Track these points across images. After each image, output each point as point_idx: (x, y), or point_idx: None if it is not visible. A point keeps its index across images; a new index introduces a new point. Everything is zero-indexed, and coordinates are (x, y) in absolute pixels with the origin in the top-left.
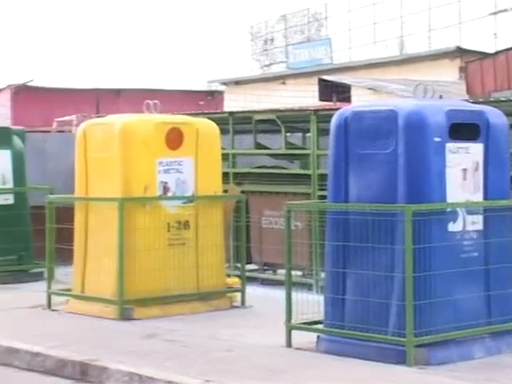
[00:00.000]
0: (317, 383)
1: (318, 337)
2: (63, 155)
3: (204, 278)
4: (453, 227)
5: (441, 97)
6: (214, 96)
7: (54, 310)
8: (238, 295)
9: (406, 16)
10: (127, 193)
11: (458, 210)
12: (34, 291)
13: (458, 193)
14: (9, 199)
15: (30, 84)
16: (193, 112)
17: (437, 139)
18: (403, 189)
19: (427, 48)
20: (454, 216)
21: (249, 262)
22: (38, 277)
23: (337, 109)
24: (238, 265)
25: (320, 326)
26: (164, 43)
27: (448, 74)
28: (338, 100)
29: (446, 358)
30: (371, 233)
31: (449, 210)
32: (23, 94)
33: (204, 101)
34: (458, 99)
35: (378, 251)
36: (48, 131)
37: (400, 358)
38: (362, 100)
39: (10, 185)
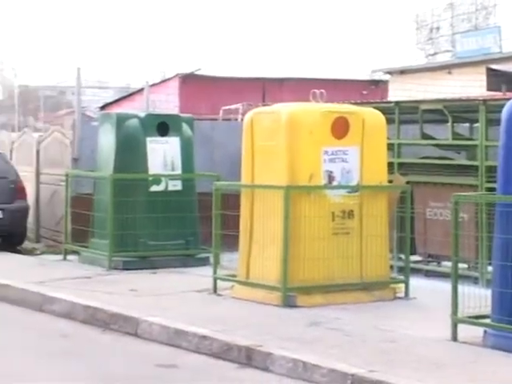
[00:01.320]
0: (484, 379)
1: (485, 331)
2: (229, 143)
3: (368, 268)
4: None
5: None
6: (378, 85)
7: (219, 295)
8: (402, 286)
9: None
10: (293, 181)
11: None
12: (200, 276)
13: None
14: (177, 185)
15: (197, 73)
16: (358, 101)
17: None
18: None
19: None
20: None
21: (412, 254)
22: (203, 262)
23: (507, 99)
24: (402, 256)
25: (487, 321)
26: (329, 32)
27: None
28: (508, 90)
29: None
30: None
31: None
32: (191, 82)
33: (368, 90)
34: None
35: None
36: (215, 119)
37: None
38: None
39: (178, 171)
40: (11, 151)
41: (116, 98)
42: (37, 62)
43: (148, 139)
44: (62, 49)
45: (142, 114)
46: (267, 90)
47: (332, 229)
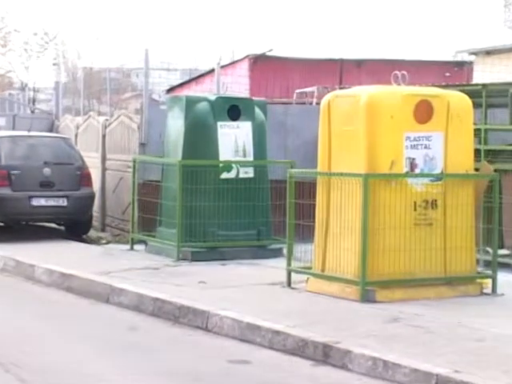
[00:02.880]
0: None
1: None
2: (304, 128)
3: (452, 262)
4: None
5: None
6: (462, 67)
7: (293, 288)
8: (489, 281)
9: None
10: (372, 168)
11: None
12: (273, 268)
13: None
14: (249, 172)
15: (269, 54)
16: (443, 84)
17: None
18: None
19: None
20: None
21: (500, 247)
22: (276, 253)
23: None
24: (488, 249)
25: None
26: (410, 10)
27: None
28: None
29: None
30: None
31: None
32: (262, 63)
33: (451, 72)
34: None
35: None
36: (288, 103)
37: None
38: None
39: (250, 158)
40: (76, 136)
41: (182, 80)
42: (100, 43)
43: (219, 124)
44: (125, 29)
45: (213, 97)
46: (344, 71)
47: (414, 219)
